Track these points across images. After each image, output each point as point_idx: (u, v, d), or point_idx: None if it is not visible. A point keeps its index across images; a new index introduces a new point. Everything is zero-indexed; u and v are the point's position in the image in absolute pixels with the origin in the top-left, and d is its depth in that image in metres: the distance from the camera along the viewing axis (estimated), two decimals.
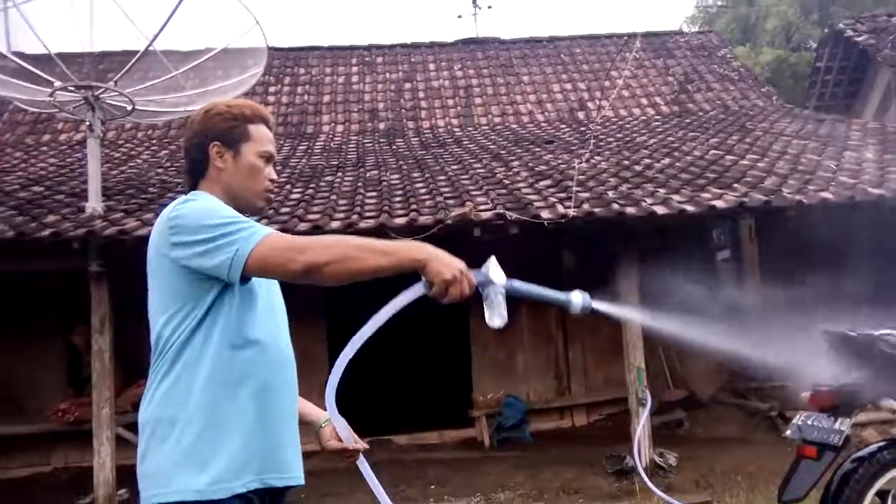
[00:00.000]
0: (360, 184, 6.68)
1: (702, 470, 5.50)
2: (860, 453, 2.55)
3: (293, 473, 1.73)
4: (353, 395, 7.79)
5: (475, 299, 1.65)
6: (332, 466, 6.55)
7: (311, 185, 6.81)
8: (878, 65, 10.80)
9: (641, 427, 5.34)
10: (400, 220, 5.33)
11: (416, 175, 7.06)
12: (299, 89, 10.92)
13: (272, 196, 1.86)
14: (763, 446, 5.99)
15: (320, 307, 7.47)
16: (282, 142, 9.51)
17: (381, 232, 5.17)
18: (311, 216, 5.67)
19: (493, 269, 1.70)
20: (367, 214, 5.53)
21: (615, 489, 5.23)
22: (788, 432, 2.67)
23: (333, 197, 6.27)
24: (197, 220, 1.59)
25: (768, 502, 4.32)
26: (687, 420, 6.87)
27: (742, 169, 6.66)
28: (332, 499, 5.43)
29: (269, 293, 1.74)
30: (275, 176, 1.85)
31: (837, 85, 11.70)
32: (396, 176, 7.06)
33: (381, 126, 10.23)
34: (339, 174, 7.32)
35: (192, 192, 1.77)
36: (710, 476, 5.32)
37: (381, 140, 9.48)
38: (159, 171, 7.67)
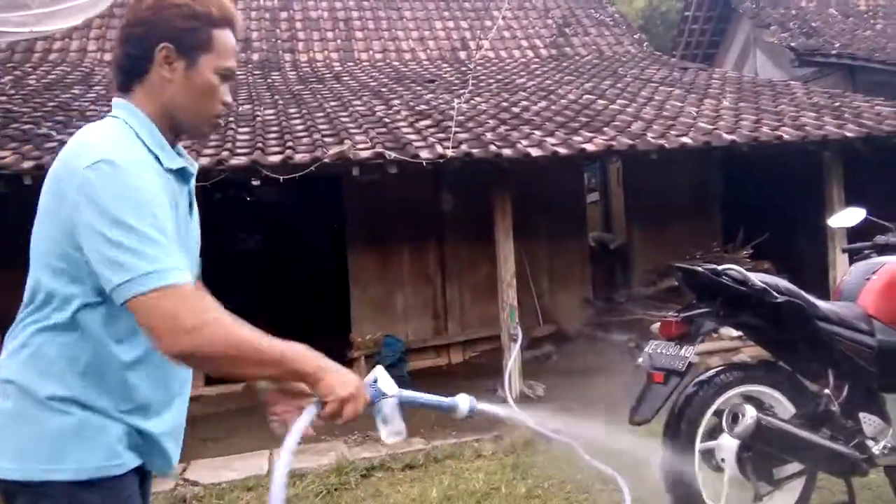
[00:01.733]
0: (231, 119, 6.35)
1: (567, 399, 5.83)
2: (701, 377, 2.78)
3: None
4: None
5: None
6: (205, 412, 6.43)
7: None
8: (739, 17, 11.45)
9: (512, 361, 5.59)
10: (274, 158, 5.14)
11: (292, 111, 6.80)
12: None
13: (219, 121, 1.53)
14: (622, 375, 6.43)
15: None
16: None
17: (253, 169, 4.98)
18: None
19: (383, 380, 1.55)
20: (239, 151, 5.29)
21: (487, 420, 5.46)
22: (640, 360, 2.86)
23: None
24: (115, 209, 1.25)
25: (624, 426, 4.66)
26: (555, 353, 7.24)
27: (612, 113, 6.92)
28: (213, 443, 5.32)
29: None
30: (230, 98, 1.48)
31: (703, 34, 12.34)
32: (271, 111, 6.77)
33: (255, 57, 9.71)
34: None
35: (114, 114, 1.40)
36: (575, 405, 5.66)
37: (255, 72, 9.03)
38: (2, 98, 6.93)
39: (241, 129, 5.96)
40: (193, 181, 1.50)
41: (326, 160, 5.10)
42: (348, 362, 7.30)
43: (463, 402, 1.65)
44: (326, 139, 5.63)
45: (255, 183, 5.27)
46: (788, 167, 7.16)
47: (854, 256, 3.51)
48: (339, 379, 1.37)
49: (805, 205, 7.17)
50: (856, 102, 7.30)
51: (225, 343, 1.28)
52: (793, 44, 9.58)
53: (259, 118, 6.41)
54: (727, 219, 8.49)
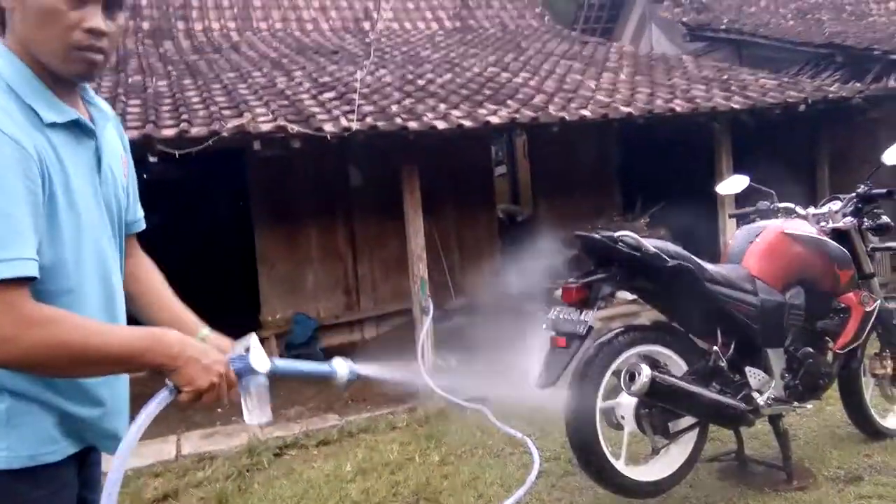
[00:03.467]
0: (120, 90, 6.01)
1: (479, 369, 5.96)
2: (600, 340, 2.90)
3: None
4: (128, 318, 7.33)
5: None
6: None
7: None
8: None
9: (424, 333, 5.64)
10: (169, 132, 4.90)
11: (187, 82, 6.50)
12: None
13: (94, 56, 1.22)
14: (532, 343, 6.62)
15: None
16: None
17: (145, 144, 4.73)
18: None
19: (255, 352, 1.42)
20: (130, 125, 5.00)
21: (400, 393, 5.50)
22: (543, 326, 2.96)
23: None
24: None
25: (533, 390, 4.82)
26: (467, 325, 7.35)
27: (515, 86, 7.01)
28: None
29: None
30: (96, 23, 1.20)
31: (601, 9, 12.65)
32: (164, 82, 6.45)
33: (146, 26, 9.20)
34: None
35: None
36: (485, 374, 5.79)
37: (146, 41, 8.56)
38: None
39: (131, 101, 5.65)
40: (108, 131, 1.36)
41: (225, 134, 4.92)
42: (259, 342, 7.14)
43: (341, 367, 1.56)
44: (224, 112, 5.42)
45: (152, 160, 5.03)
46: (682, 138, 7.50)
47: (740, 221, 3.74)
48: (197, 368, 1.26)
49: (697, 174, 7.54)
50: (742, 76, 7.71)
51: (48, 349, 1.14)
52: (684, 19, 9.98)
53: (151, 90, 6.10)
54: (626, 189, 8.82)
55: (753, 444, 3.46)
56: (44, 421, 1.25)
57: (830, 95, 6.70)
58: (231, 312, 7.48)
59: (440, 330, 6.69)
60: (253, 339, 1.45)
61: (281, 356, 6.92)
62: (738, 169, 6.68)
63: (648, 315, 6.59)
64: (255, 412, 1.43)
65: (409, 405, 5.00)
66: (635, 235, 2.88)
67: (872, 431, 3.53)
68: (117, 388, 1.38)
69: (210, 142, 4.75)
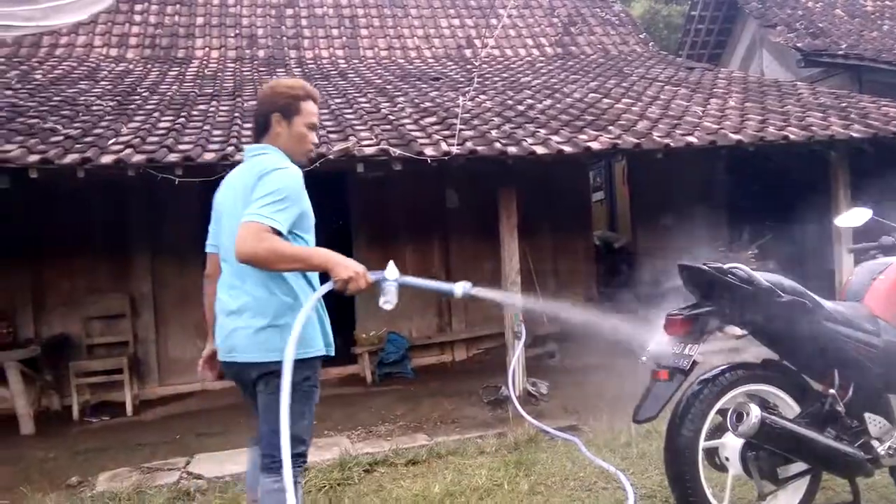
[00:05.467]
0: (236, 114, 6.36)
1: (570, 397, 5.84)
2: (705, 376, 2.77)
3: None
4: None
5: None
6: (208, 406, 6.45)
7: (182, 114, 6.41)
8: (745, 17, 11.43)
9: (516, 359, 5.59)
10: None
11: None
12: (169, 9, 10.10)
13: (312, 154, 2.78)
14: (625, 374, 6.43)
15: None
16: (150, 66, 8.85)
17: None
18: (182, 146, 5.36)
19: (390, 268, 2.42)
20: (244, 146, 5.28)
21: (490, 417, 5.47)
22: (643, 358, 2.86)
23: (207, 127, 5.94)
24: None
25: (627, 424, 4.66)
26: (559, 351, 7.24)
27: (617, 112, 6.91)
28: (207, 438, 5.34)
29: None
30: (316, 140, 2.65)
31: (709, 34, 12.32)
32: None
33: (261, 54, 9.72)
34: (214, 103, 6.92)
35: (259, 150, 2.53)
36: (578, 402, 5.66)
37: (261, 69, 9.02)
38: (7, 92, 6.95)
39: (245, 125, 5.96)
40: None
41: (331, 157, 5.10)
42: (352, 358, 7.31)
43: (458, 287, 2.46)
44: (331, 136, 5.62)
45: None
46: (794, 167, 7.16)
47: (860, 257, 3.51)
48: (341, 266, 2.30)
49: (810, 205, 7.15)
50: (862, 103, 7.27)
51: (275, 252, 2.25)
52: (799, 44, 9.56)
53: None
54: (732, 219, 8.47)
55: (871, 495, 3.20)
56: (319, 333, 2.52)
57: None
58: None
59: (531, 355, 6.62)
60: (391, 263, 2.44)
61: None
62: (855, 202, 6.29)
63: (754, 352, 6.28)
64: (384, 301, 2.40)
65: (499, 430, 4.95)
66: (746, 268, 2.76)
67: None
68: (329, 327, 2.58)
69: (317, 164, 4.93)
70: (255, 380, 2.43)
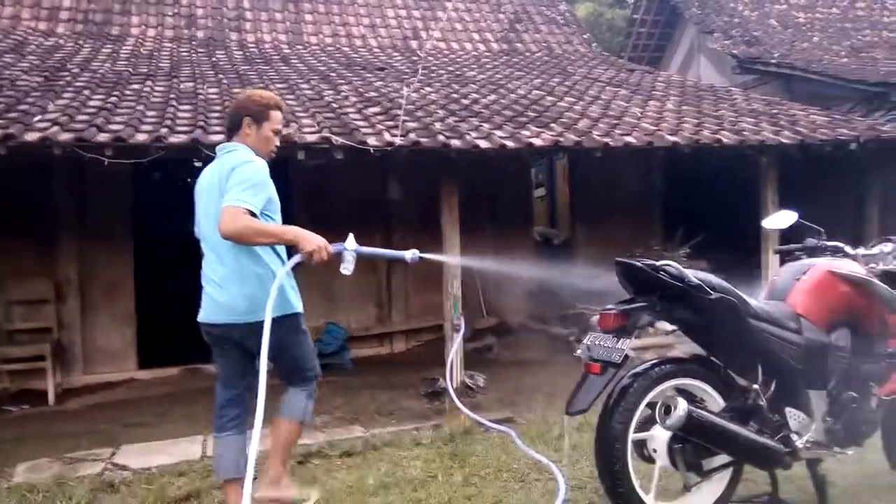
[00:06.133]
0: (172, 95, 6.15)
1: (507, 390, 5.90)
2: (636, 370, 2.84)
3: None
4: (160, 321, 7.34)
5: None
6: (136, 395, 6.25)
7: (114, 93, 6.16)
8: (685, 22, 11.73)
9: (454, 351, 5.61)
10: (216, 137, 4.97)
11: (237, 91, 6.61)
12: None
13: (274, 154, 3.08)
14: (561, 367, 6.53)
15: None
16: (81, 42, 8.47)
17: (193, 148, 4.83)
18: (112, 126, 5.14)
19: (349, 240, 2.95)
20: (179, 129, 5.11)
21: (427, 409, 5.47)
22: (578, 351, 2.91)
23: (140, 107, 5.72)
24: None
25: (561, 417, 4.74)
26: (497, 345, 7.31)
27: (560, 110, 7.00)
28: (136, 428, 5.17)
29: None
30: (278, 143, 3.10)
31: (650, 38, 12.59)
32: (215, 90, 6.59)
33: (200, 35, 9.43)
34: (149, 83, 6.68)
35: (229, 148, 3.00)
36: (514, 395, 5.73)
37: (200, 50, 8.76)
38: None
39: (182, 107, 5.77)
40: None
41: None
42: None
43: (408, 254, 3.10)
44: None
45: (198, 164, 5.12)
46: (726, 170, 7.40)
47: (785, 257, 3.65)
48: (306, 240, 2.80)
49: (741, 207, 7.42)
50: (792, 110, 7.58)
51: (248, 229, 2.73)
52: (735, 51, 9.87)
53: (202, 96, 6.22)
54: (667, 218, 8.71)
55: (788, 487, 3.34)
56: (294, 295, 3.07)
57: (884, 135, 6.54)
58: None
59: (470, 349, 6.66)
60: (350, 235, 2.96)
61: None
62: (783, 205, 6.55)
63: (683, 348, 6.48)
64: (345, 268, 2.92)
65: (436, 422, 4.96)
66: (678, 265, 2.83)
67: None
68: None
69: None
70: (238, 338, 2.97)
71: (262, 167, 2.86)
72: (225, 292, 2.94)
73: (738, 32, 10.55)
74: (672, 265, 2.83)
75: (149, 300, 7.29)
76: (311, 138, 5.16)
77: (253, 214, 2.72)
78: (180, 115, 5.56)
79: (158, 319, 7.12)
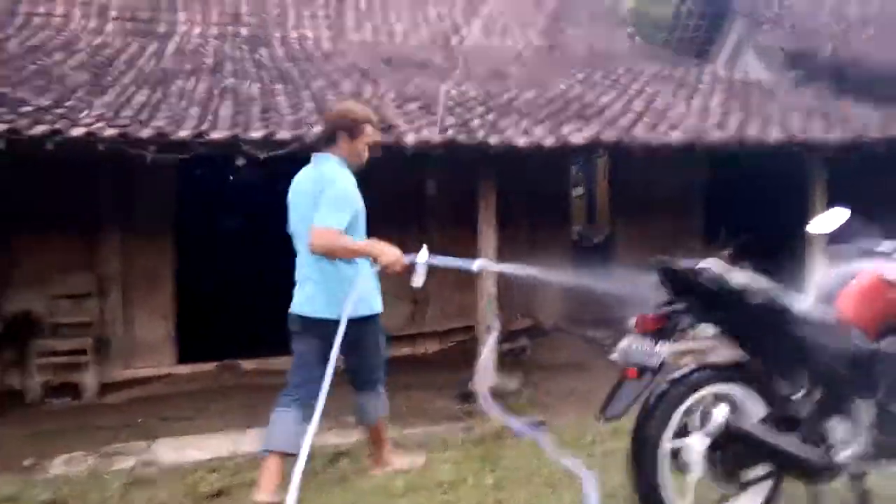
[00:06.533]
0: (215, 91, 6.22)
1: (540, 393, 5.81)
2: (673, 375, 2.73)
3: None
4: (199, 317, 7.43)
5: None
6: (174, 390, 6.34)
7: (158, 90, 6.25)
8: (733, 14, 11.39)
9: (487, 352, 5.51)
10: (256, 134, 5.01)
11: (278, 88, 6.67)
12: None
13: (363, 164, 3.44)
14: (596, 372, 6.41)
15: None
16: (129, 39, 8.64)
17: (234, 145, 4.86)
18: (156, 122, 5.21)
19: (422, 252, 3.20)
20: (221, 125, 5.15)
21: (458, 411, 5.42)
22: (614, 355, 2.81)
23: (184, 104, 5.79)
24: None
25: (595, 422, 4.62)
26: (531, 347, 7.20)
27: (601, 106, 6.85)
28: (173, 423, 5.24)
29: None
30: (367, 155, 3.44)
31: (696, 30, 12.24)
32: (257, 87, 6.63)
33: (244, 32, 9.51)
34: (193, 80, 6.76)
35: (321, 160, 3.38)
36: (547, 398, 5.63)
37: (243, 47, 8.85)
38: None
39: (224, 104, 5.82)
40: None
41: (308, 140, 4.98)
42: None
43: (476, 264, 3.65)
44: (312, 118, 5.51)
45: (240, 163, 5.16)
46: (772, 169, 7.13)
47: (835, 259, 3.48)
48: (384, 254, 3.17)
49: (787, 208, 7.14)
50: (845, 107, 7.28)
51: (335, 244, 3.16)
52: (784, 45, 9.54)
53: (244, 94, 6.27)
54: (710, 218, 8.47)
55: (830, 501, 3.18)
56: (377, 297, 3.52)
57: None
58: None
59: (503, 350, 6.57)
60: (424, 247, 3.21)
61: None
62: (832, 206, 6.28)
63: (722, 354, 6.28)
64: (415, 280, 3.17)
65: (467, 424, 4.90)
66: (717, 267, 2.71)
67: None
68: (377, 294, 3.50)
69: (296, 145, 4.82)
70: (316, 332, 3.31)
71: (348, 186, 3.27)
72: (309, 288, 3.35)
73: (789, 25, 10.19)
74: (712, 266, 2.71)
75: (188, 295, 7.40)
76: None
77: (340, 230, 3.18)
78: (222, 112, 5.61)
79: (197, 315, 7.21)
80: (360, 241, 3.31)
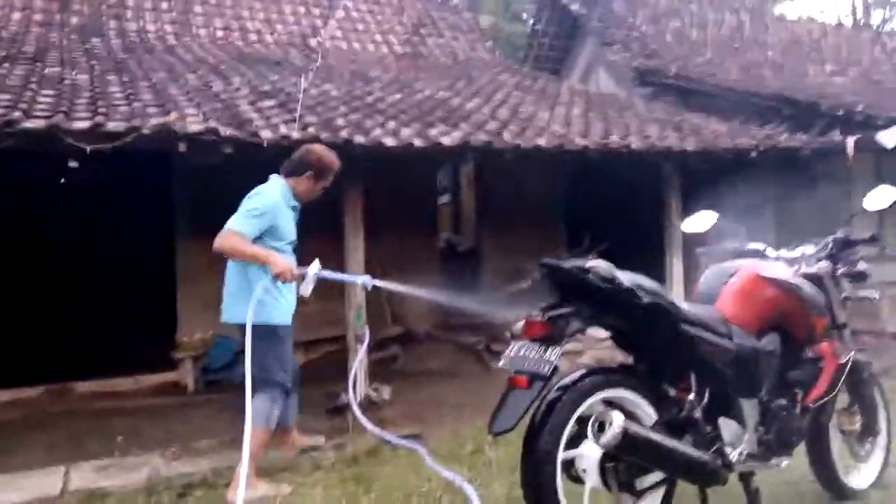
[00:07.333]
0: (32, 79, 5.41)
1: (413, 402, 5.55)
2: (563, 381, 2.56)
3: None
4: (25, 336, 6.50)
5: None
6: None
7: None
8: (585, 33, 11.88)
9: (358, 362, 5.16)
10: (81, 124, 4.34)
11: (111, 78, 5.95)
12: None
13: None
14: (470, 378, 6.27)
15: None
16: None
17: (53, 136, 4.17)
18: None
19: (314, 265, 3.45)
20: (36, 115, 4.42)
21: (328, 427, 5.01)
22: (501, 363, 2.60)
23: None
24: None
25: (473, 431, 4.44)
26: (402, 355, 6.94)
27: (468, 112, 6.75)
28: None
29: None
30: (318, 193, 3.90)
31: (551, 49, 12.67)
32: (86, 76, 5.88)
33: (74, 21, 8.56)
34: (7, 65, 5.88)
35: (273, 179, 3.83)
36: (421, 408, 5.38)
37: (72, 37, 7.92)
38: None
39: (43, 92, 5.05)
40: (296, 211, 3.86)
41: (146, 131, 4.37)
42: (172, 365, 6.53)
43: (361, 280, 3.62)
44: (149, 110, 4.91)
45: (73, 164, 4.47)
46: (629, 178, 7.39)
47: (707, 260, 3.51)
48: (275, 264, 3.45)
49: (644, 216, 7.43)
50: (693, 120, 7.70)
51: (234, 249, 3.52)
52: (634, 63, 10.04)
53: (69, 82, 5.52)
54: (573, 225, 8.66)
55: (713, 500, 3.16)
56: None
57: (780, 145, 6.72)
58: (144, 331, 6.85)
59: (374, 359, 6.26)
60: (315, 261, 3.47)
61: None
62: (684, 212, 6.58)
63: (593, 354, 6.35)
64: (304, 290, 3.44)
65: (338, 441, 4.52)
66: (608, 266, 2.58)
67: (837, 490, 3.31)
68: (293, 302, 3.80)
69: (129, 138, 4.23)
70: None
71: (262, 203, 3.61)
72: (226, 295, 3.76)
73: (637, 46, 10.75)
74: (603, 266, 2.57)
75: (7, 311, 6.44)
76: (194, 128, 4.59)
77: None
78: (41, 99, 4.86)
79: (15, 335, 6.28)
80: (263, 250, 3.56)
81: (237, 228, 3.48)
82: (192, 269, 6.71)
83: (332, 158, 3.83)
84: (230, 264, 3.67)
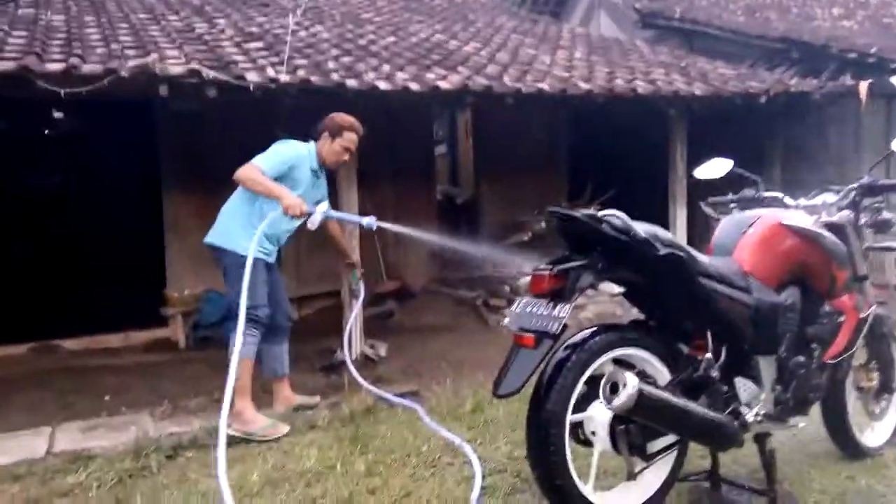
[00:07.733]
0: (4, 20, 5.09)
1: (410, 359, 5.41)
2: (572, 340, 2.40)
3: None
4: (8, 292, 6.31)
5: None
6: None
7: None
8: None
9: (353, 318, 5.01)
10: (55, 66, 4.05)
11: (88, 19, 5.62)
12: None
13: (338, 166, 4.30)
14: (468, 333, 6.12)
15: None
16: None
17: (24, 78, 3.90)
18: None
19: (322, 204, 3.89)
20: (7, 56, 4.13)
21: (323, 385, 4.88)
22: (506, 321, 2.42)
23: None
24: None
25: (472, 387, 4.31)
26: (398, 311, 6.78)
27: (465, 55, 6.44)
28: None
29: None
30: (346, 158, 4.06)
31: None
32: (61, 17, 5.54)
33: None
34: None
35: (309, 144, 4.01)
36: (418, 365, 5.24)
37: None
38: None
39: (15, 33, 4.75)
40: (320, 172, 4.05)
41: (124, 73, 4.09)
42: (162, 321, 6.37)
43: (366, 220, 3.77)
44: (128, 51, 4.61)
45: (58, 115, 4.21)
46: (633, 125, 7.12)
47: (719, 210, 3.31)
48: (285, 199, 3.64)
49: (649, 162, 7.19)
50: (699, 64, 7.39)
51: (252, 181, 3.72)
52: (637, 5, 9.64)
53: (43, 22, 5.19)
54: (575, 175, 8.42)
55: (723, 459, 3.03)
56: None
57: (792, 89, 6.44)
58: (133, 286, 6.65)
59: (369, 315, 6.10)
60: (325, 202, 3.95)
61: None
62: (690, 159, 6.35)
63: (594, 309, 6.20)
64: (312, 224, 3.80)
65: (333, 399, 4.39)
66: (623, 216, 2.38)
67: (851, 449, 3.19)
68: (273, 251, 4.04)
69: (106, 81, 3.95)
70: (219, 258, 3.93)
71: (287, 151, 3.84)
72: (219, 216, 3.92)
73: None
74: (617, 215, 2.37)
75: None
76: (176, 70, 4.31)
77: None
78: (12, 40, 4.55)
79: (5, 288, 6.09)
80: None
81: (259, 164, 3.69)
82: (179, 221, 6.49)
83: (344, 117, 3.95)
84: (238, 193, 3.83)
